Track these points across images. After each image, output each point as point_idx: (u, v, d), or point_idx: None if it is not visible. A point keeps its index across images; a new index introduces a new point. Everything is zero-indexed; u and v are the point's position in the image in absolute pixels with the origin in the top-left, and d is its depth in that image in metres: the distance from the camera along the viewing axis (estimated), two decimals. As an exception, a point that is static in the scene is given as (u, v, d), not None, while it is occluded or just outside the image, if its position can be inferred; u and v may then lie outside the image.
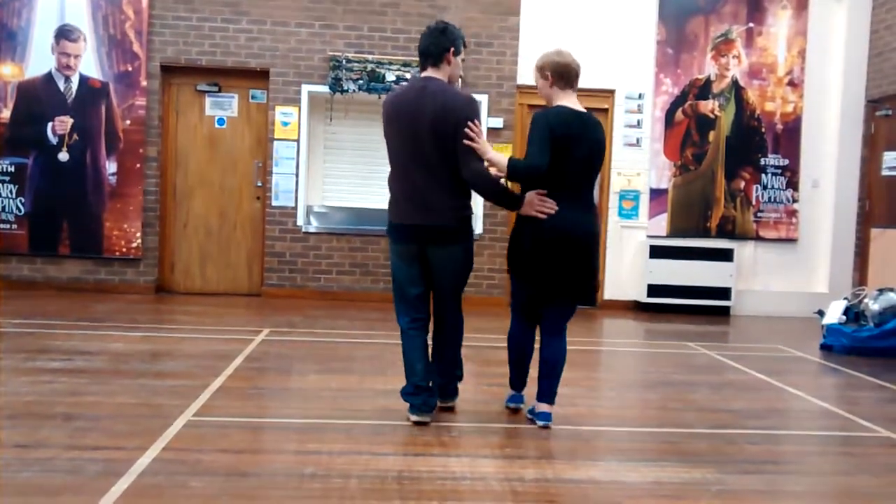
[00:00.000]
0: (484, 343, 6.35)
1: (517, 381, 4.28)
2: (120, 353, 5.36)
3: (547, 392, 4.02)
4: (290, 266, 8.53)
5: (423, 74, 3.98)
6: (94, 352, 5.36)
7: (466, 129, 3.75)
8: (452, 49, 3.94)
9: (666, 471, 3.46)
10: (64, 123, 8.26)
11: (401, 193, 3.94)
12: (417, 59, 4.07)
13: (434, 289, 4.06)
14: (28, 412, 3.86)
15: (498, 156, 3.89)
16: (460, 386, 4.30)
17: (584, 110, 3.97)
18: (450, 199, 3.90)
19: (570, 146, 3.80)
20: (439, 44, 3.92)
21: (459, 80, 4.12)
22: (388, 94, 4.17)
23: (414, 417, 3.94)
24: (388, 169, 4.02)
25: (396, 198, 3.97)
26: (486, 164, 3.85)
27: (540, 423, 3.98)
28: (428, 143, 3.81)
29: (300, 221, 8.53)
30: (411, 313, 4.01)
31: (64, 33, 8.25)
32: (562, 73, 3.99)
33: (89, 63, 8.28)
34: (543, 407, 4.01)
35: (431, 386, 4.02)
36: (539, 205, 3.84)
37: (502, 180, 3.98)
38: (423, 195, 3.86)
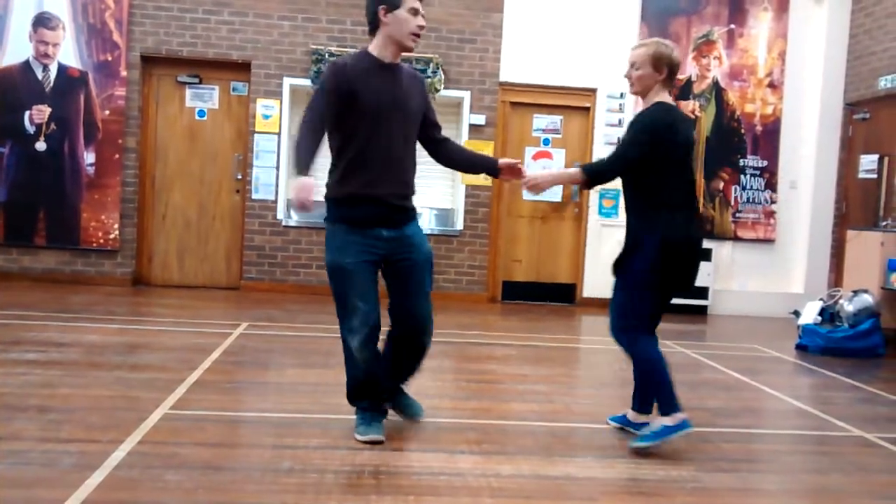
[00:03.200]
0: (464, 339, 6.36)
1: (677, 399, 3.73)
2: (96, 346, 5.31)
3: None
4: (270, 260, 8.49)
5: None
6: (69, 344, 5.31)
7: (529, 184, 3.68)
8: (384, 7, 3.45)
9: (642, 468, 3.48)
10: (41, 112, 8.17)
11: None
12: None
13: None
14: (1, 404, 3.82)
15: (567, 171, 3.82)
16: (438, 383, 4.29)
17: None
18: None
19: (672, 147, 3.64)
20: (369, 5, 3.50)
21: (412, 38, 3.52)
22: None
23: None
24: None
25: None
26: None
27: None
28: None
29: (280, 215, 8.49)
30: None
31: (42, 21, 8.16)
32: (673, 73, 3.74)
33: (68, 52, 8.19)
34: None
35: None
36: (305, 194, 3.30)
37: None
38: None
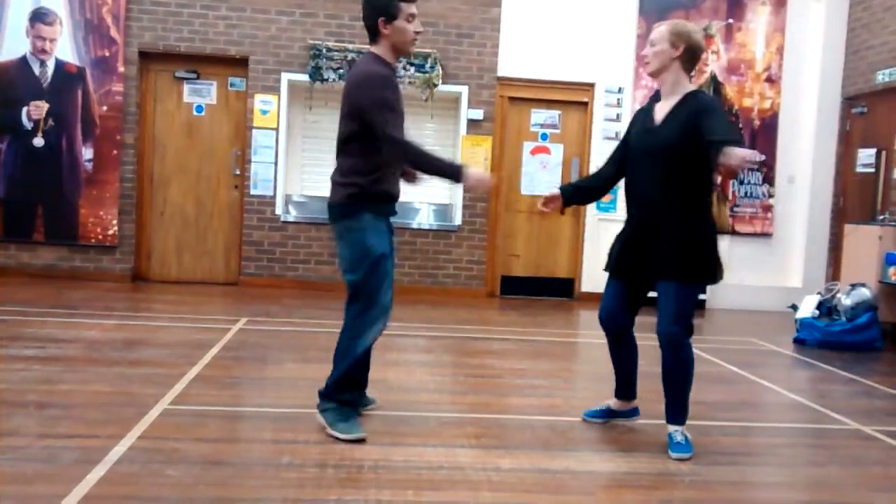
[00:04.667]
0: (463, 334, 6.37)
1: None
2: (95, 341, 5.31)
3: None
4: (268, 255, 8.49)
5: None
6: (68, 340, 5.31)
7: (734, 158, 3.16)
8: (382, 19, 3.53)
9: (640, 461, 3.49)
10: (39, 108, 8.15)
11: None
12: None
13: None
14: (1, 400, 3.82)
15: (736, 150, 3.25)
16: (438, 378, 4.30)
17: None
18: (341, 177, 3.62)
19: None
20: (369, 16, 3.58)
21: (412, 44, 3.63)
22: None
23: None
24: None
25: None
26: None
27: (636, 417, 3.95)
28: (342, 119, 3.63)
29: (279, 210, 8.49)
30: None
31: (39, 16, 8.14)
32: (694, 55, 3.60)
33: (65, 47, 8.18)
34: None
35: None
36: (484, 182, 3.52)
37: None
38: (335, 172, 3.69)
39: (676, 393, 3.67)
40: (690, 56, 3.59)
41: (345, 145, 3.60)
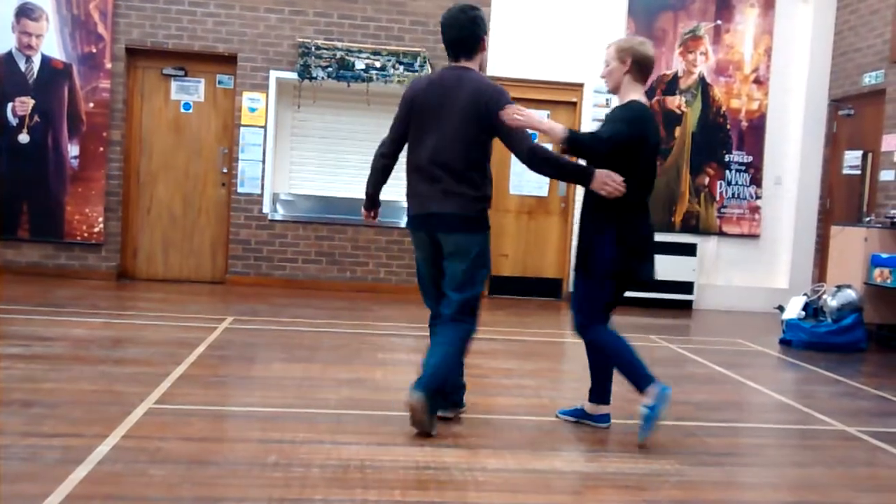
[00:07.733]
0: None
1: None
2: (80, 340, 5.28)
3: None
4: (256, 254, 8.46)
5: (458, 65, 3.81)
6: (53, 338, 5.27)
7: (510, 109, 3.56)
8: (485, 37, 3.84)
9: (626, 462, 3.50)
10: (24, 104, 8.09)
11: (420, 182, 3.80)
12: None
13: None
14: (-16, 398, 3.80)
15: (552, 124, 3.70)
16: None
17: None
18: (471, 189, 3.77)
19: (646, 146, 3.71)
20: (475, 34, 3.77)
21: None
22: (416, 80, 3.95)
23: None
24: (357, 157, 3.96)
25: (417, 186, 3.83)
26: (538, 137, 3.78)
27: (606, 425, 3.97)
28: (460, 131, 3.72)
29: (266, 209, 8.46)
30: (432, 310, 3.94)
31: (25, 12, 8.08)
32: (642, 66, 3.78)
33: (52, 43, 8.12)
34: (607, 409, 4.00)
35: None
36: (610, 182, 3.62)
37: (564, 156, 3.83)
38: (445, 182, 3.73)
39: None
40: (639, 67, 3.78)
41: (481, 156, 3.95)
